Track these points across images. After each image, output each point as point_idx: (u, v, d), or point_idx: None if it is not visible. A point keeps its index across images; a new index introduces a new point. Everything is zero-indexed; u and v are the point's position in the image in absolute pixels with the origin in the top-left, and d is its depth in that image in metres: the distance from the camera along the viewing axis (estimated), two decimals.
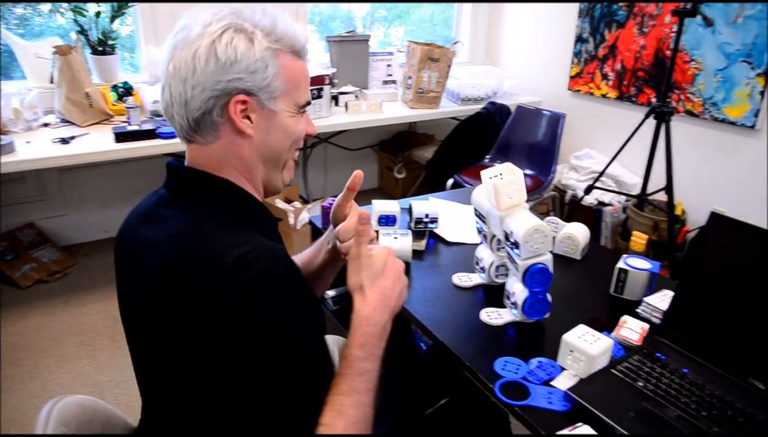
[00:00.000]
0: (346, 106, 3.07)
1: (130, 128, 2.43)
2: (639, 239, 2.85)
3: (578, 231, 1.50)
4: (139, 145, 2.39)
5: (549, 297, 1.17)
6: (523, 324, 1.18)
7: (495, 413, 1.32)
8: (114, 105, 2.71)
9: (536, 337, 1.15)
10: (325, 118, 2.96)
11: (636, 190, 2.98)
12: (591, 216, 3.09)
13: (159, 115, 2.67)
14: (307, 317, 0.78)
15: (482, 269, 1.32)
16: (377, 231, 1.47)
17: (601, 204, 3.13)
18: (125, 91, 2.76)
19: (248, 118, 0.84)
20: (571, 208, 3.11)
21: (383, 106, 3.18)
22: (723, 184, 2.86)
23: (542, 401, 0.97)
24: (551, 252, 1.14)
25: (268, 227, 0.90)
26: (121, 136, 2.38)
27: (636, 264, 1.30)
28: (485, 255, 1.32)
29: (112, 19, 2.78)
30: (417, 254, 1.47)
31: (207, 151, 0.86)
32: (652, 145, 2.58)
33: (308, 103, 0.92)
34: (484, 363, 1.06)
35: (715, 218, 1.09)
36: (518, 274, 1.15)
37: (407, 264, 1.41)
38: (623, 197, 3.12)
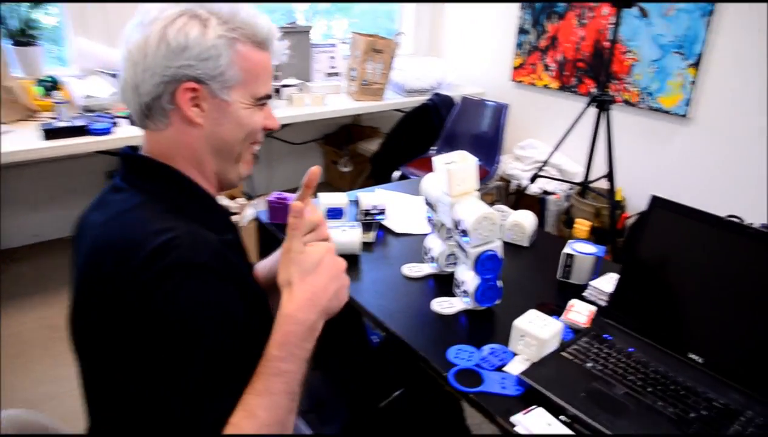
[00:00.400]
0: (289, 98, 3.04)
1: (59, 124, 2.33)
2: (582, 226, 2.90)
3: (526, 219, 1.53)
4: (70, 142, 2.29)
5: (500, 283, 1.19)
6: (475, 311, 1.20)
7: (449, 401, 1.34)
8: (40, 100, 2.59)
9: (488, 324, 1.17)
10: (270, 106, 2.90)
11: (578, 178, 3.07)
12: (536, 204, 3.16)
13: (91, 111, 2.57)
14: (226, 313, 0.74)
15: (432, 259, 1.33)
16: None
17: (546, 193, 3.21)
18: (52, 85, 2.64)
19: (199, 106, 0.83)
20: (516, 198, 3.18)
21: (327, 99, 3.16)
22: (659, 170, 2.99)
23: (496, 386, 0.99)
24: (500, 239, 1.17)
25: (216, 219, 0.88)
26: (51, 133, 2.28)
27: (581, 249, 1.34)
28: (435, 244, 1.33)
29: (33, 7, 2.65)
30: (366, 246, 1.47)
31: (158, 137, 0.85)
32: (594, 134, 2.67)
33: (268, 97, 0.90)
34: (436, 353, 1.07)
35: (656, 201, 1.13)
36: (468, 262, 1.17)
37: (356, 258, 1.41)
38: (566, 185, 3.21)
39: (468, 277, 1.19)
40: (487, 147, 3.24)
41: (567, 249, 1.34)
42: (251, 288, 0.85)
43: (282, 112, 2.94)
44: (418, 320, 1.18)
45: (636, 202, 3.06)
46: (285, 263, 0.82)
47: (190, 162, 0.86)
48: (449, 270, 1.32)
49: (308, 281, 0.82)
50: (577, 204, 2.99)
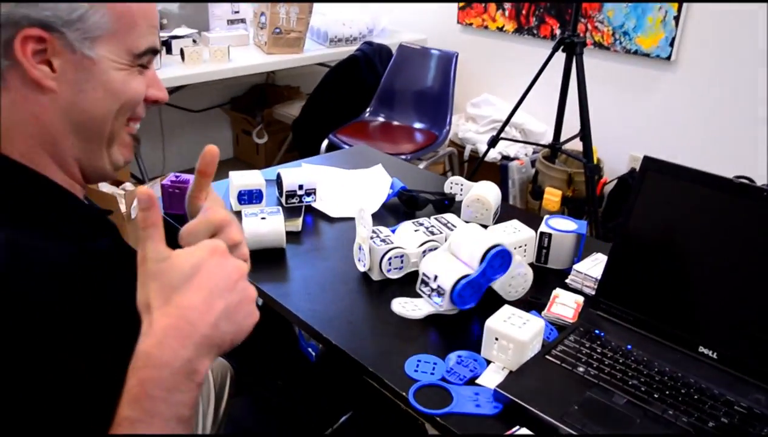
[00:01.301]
0: (181, 53, 2.92)
1: None
2: (552, 196, 2.97)
3: (488, 192, 1.51)
4: None
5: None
6: (437, 316, 1.17)
7: (410, 425, 1.31)
8: None
9: (453, 328, 1.15)
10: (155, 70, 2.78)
11: (545, 140, 3.09)
12: (496, 173, 3.18)
13: None
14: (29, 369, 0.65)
15: (401, 261, 1.29)
16: (238, 213, 1.41)
17: (506, 158, 3.23)
18: None
19: (49, 64, 0.74)
20: (472, 166, 3.18)
21: (231, 53, 3.07)
22: (641, 126, 3.05)
23: (468, 405, 0.97)
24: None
25: (78, 223, 0.79)
26: None
27: (560, 226, 1.33)
28: (407, 233, 1.31)
29: None
30: (292, 237, 1.43)
31: None
32: (563, 85, 2.67)
33: (153, 52, 0.82)
34: (391, 366, 1.04)
35: (649, 163, 1.12)
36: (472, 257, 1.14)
37: (281, 252, 1.36)
38: (531, 149, 3.23)
39: (443, 270, 1.16)
40: (434, 106, 3.24)
41: (543, 228, 1.33)
42: (123, 317, 0.72)
43: (173, 70, 2.84)
44: (365, 327, 1.15)
45: (614, 165, 3.11)
46: (142, 279, 0.68)
47: (39, 143, 0.76)
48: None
49: (175, 301, 0.67)
50: (545, 170, 3.02)
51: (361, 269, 1.29)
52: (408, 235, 1.32)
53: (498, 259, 1.15)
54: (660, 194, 1.11)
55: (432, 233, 1.32)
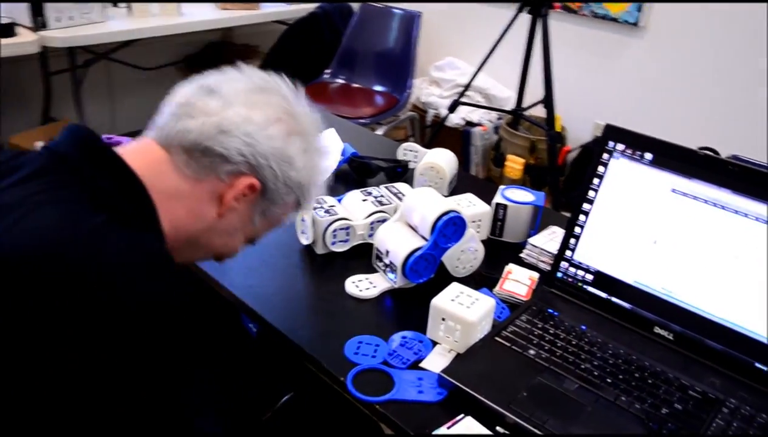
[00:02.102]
0: (128, 6, 2.80)
1: None
2: (515, 164, 2.94)
3: (443, 159, 1.46)
4: None
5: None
6: (385, 293, 1.13)
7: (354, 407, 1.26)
8: None
9: (402, 307, 1.10)
10: (99, 23, 2.68)
11: (509, 105, 3.04)
12: (458, 139, 3.14)
13: None
14: None
15: (345, 234, 1.23)
16: None
17: (470, 124, 3.19)
18: None
19: (238, 201, 0.85)
20: (434, 131, 3.12)
21: (183, 7, 2.96)
22: (606, 93, 3.01)
23: (410, 391, 0.92)
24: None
25: None
26: None
27: (516, 197, 1.29)
28: (355, 202, 1.26)
29: None
30: None
31: (173, 175, 0.83)
32: (527, 48, 2.61)
33: None
34: (329, 349, 1.00)
35: (610, 132, 1.08)
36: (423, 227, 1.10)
37: None
38: (495, 114, 3.18)
39: (395, 244, 1.12)
40: (396, 68, 3.18)
41: (498, 198, 1.28)
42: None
43: (120, 24, 2.75)
44: (305, 304, 1.10)
45: (578, 133, 3.08)
46: None
47: (170, 219, 0.82)
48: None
49: None
50: (508, 137, 2.98)
51: (304, 242, 1.23)
52: (356, 205, 1.26)
53: (450, 227, 1.10)
54: (620, 164, 1.06)
55: (381, 203, 1.26)
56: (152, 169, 0.82)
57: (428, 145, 1.55)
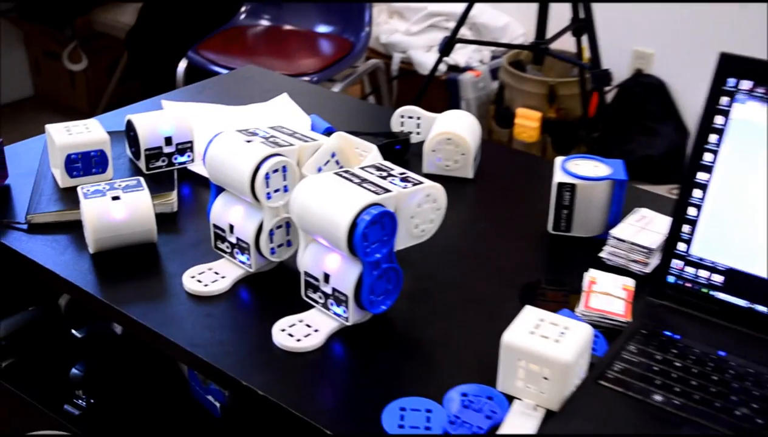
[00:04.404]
0: None
1: None
2: (528, 120, 2.95)
3: (463, 126, 1.49)
4: None
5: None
6: (360, 329, 1.14)
7: None
8: None
9: (418, 349, 1.11)
10: None
11: (508, 37, 3.05)
12: (439, 92, 3.18)
13: None
14: None
15: (239, 247, 1.24)
16: (71, 191, 1.39)
17: (454, 69, 3.22)
18: None
19: None
20: (405, 85, 3.12)
21: None
22: (646, 13, 3.02)
23: None
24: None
25: None
26: None
27: (585, 171, 1.30)
28: (237, 214, 1.24)
29: None
30: (164, 222, 1.39)
31: None
32: None
33: None
34: (360, 421, 0.98)
35: (729, 63, 1.07)
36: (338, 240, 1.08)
37: (152, 248, 1.32)
38: (486, 53, 3.20)
39: (335, 265, 1.11)
40: None
41: (559, 175, 1.28)
42: None
43: None
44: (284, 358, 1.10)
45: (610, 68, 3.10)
46: None
47: None
48: (278, 259, 1.26)
49: None
50: (513, 83, 3.03)
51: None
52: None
53: (377, 229, 1.08)
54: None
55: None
56: None
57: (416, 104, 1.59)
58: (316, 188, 1.11)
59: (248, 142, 1.20)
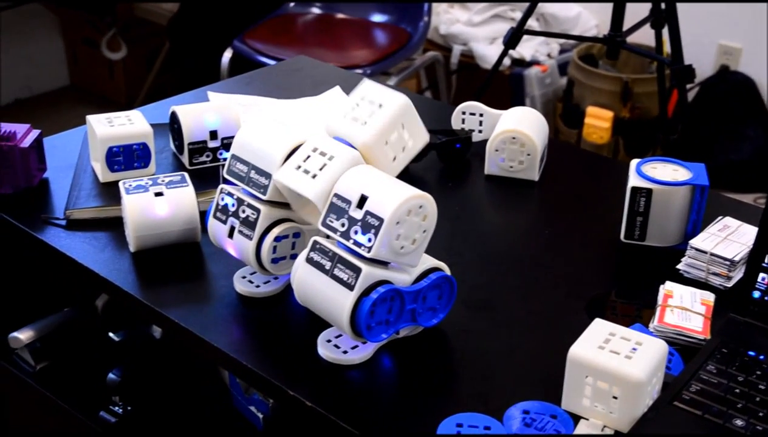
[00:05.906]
0: None
1: None
2: (599, 120, 2.93)
3: (529, 125, 1.49)
4: None
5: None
6: (410, 341, 1.14)
7: None
8: None
9: (476, 362, 1.11)
10: None
11: (582, 29, 3.04)
12: (502, 88, 3.18)
13: None
14: None
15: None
16: (112, 185, 1.40)
17: (519, 63, 3.22)
18: None
19: None
20: (465, 80, 3.13)
21: None
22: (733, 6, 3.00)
23: None
24: None
25: None
26: None
27: (663, 175, 1.29)
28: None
29: None
30: None
31: None
32: None
33: None
34: (407, 436, 1.00)
35: None
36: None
37: (195, 247, 1.33)
38: (554, 46, 3.19)
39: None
40: None
41: (635, 179, 1.28)
42: None
43: None
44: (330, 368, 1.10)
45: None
46: None
47: None
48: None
49: None
50: (584, 79, 3.02)
51: None
52: None
53: (435, 293, 1.11)
54: None
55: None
56: None
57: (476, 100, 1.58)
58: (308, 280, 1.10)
59: None
